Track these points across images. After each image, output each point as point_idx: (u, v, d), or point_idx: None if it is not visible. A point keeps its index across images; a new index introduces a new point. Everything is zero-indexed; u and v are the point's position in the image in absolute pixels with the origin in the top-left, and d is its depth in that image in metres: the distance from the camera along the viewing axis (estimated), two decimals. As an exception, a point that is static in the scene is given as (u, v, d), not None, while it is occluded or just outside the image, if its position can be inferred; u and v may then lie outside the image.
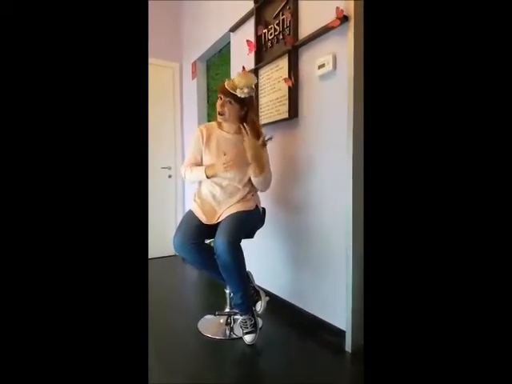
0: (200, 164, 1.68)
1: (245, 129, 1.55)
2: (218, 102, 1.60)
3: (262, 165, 1.60)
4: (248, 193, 1.67)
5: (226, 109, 1.59)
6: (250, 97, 1.62)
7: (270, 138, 1.62)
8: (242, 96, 1.55)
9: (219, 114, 1.60)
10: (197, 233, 1.53)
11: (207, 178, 1.61)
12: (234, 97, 1.56)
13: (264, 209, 1.78)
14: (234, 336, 1.63)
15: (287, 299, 1.93)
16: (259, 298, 1.66)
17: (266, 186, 1.69)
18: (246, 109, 1.61)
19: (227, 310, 1.75)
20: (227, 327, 1.69)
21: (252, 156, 1.55)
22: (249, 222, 1.62)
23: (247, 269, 1.59)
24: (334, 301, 1.58)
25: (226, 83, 1.57)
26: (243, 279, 1.54)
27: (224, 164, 1.51)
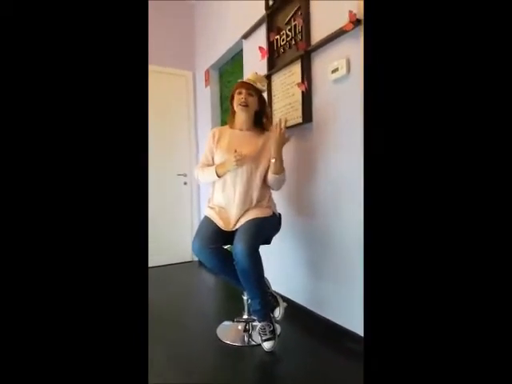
0: (212, 165, 1.70)
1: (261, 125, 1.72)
2: (240, 96, 1.66)
3: (282, 162, 1.65)
4: (263, 198, 1.67)
5: (249, 100, 1.65)
6: (263, 95, 1.73)
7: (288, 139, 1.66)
8: (262, 89, 1.71)
9: (243, 104, 1.65)
10: (214, 238, 1.55)
11: (218, 177, 1.62)
12: (255, 89, 1.67)
13: (280, 214, 1.78)
14: (253, 343, 1.62)
15: (305, 305, 1.91)
16: (277, 305, 1.65)
17: (281, 184, 1.72)
18: (261, 105, 1.71)
19: (245, 316, 1.75)
20: (246, 334, 1.69)
21: (278, 150, 1.60)
22: (266, 228, 1.62)
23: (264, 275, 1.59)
24: (353, 307, 1.56)
25: (245, 79, 1.70)
26: (261, 286, 1.54)
27: (235, 158, 1.52)
